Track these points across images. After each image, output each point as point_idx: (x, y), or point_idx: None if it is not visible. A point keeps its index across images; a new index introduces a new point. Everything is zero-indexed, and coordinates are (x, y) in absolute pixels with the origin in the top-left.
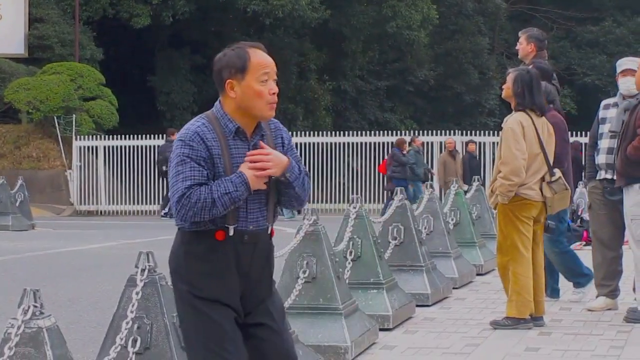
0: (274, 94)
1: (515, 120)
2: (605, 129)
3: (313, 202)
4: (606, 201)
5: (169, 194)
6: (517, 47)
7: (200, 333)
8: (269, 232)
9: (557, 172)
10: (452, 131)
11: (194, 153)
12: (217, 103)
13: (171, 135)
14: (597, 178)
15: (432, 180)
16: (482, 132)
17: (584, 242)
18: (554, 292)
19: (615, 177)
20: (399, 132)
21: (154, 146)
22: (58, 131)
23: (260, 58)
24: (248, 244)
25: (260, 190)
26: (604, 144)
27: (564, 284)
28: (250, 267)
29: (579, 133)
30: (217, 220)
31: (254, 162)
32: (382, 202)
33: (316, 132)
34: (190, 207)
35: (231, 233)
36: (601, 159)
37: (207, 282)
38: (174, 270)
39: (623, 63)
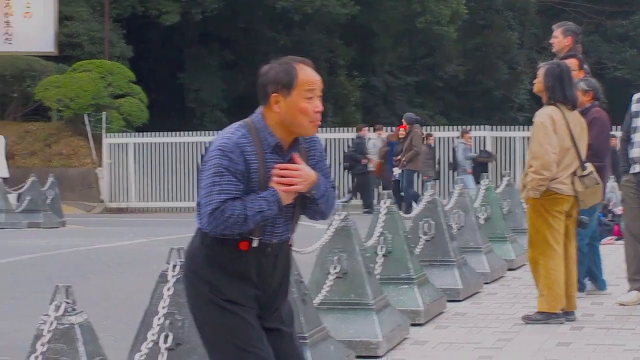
0: (318, 112)
1: (546, 114)
2: (638, 122)
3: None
4: None
5: (201, 200)
6: (550, 41)
7: (228, 331)
8: (289, 242)
9: (589, 167)
10: (482, 126)
11: (232, 166)
12: (257, 113)
13: (360, 131)
14: (631, 172)
15: None
16: (512, 127)
17: (615, 237)
18: (601, 284)
19: None
20: (428, 127)
21: (184, 143)
22: (88, 129)
23: (307, 75)
24: (270, 255)
25: (287, 205)
26: (638, 137)
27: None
28: (271, 277)
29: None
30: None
31: (282, 176)
32: None
33: (346, 128)
34: (223, 222)
35: (255, 244)
36: (635, 152)
37: (228, 286)
38: (192, 270)
39: None
